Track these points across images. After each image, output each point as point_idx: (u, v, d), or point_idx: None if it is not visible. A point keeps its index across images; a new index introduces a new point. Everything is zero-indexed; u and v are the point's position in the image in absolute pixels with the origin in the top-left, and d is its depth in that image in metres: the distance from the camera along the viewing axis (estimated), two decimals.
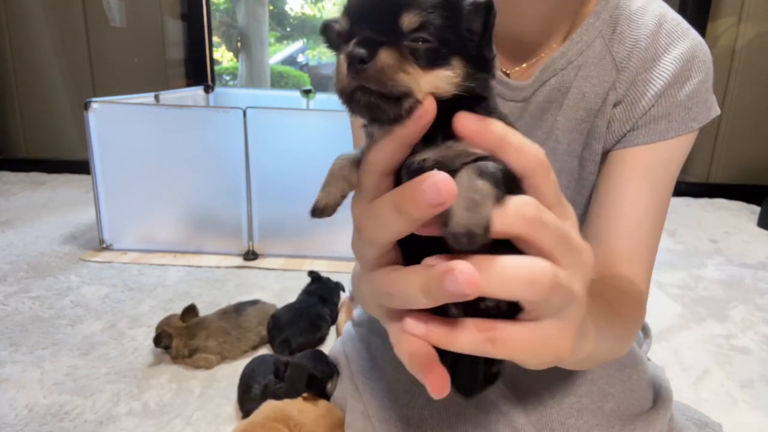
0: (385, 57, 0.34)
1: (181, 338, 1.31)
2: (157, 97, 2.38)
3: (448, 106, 0.36)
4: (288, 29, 8.87)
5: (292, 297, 1.60)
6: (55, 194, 2.83)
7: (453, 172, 0.34)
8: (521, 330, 0.36)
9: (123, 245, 2.03)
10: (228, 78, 8.05)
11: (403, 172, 0.38)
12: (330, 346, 1.35)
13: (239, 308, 1.43)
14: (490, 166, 0.34)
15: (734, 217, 2.83)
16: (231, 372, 1.28)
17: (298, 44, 8.96)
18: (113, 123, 1.96)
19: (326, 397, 1.07)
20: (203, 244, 2.03)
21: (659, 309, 1.71)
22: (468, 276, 0.32)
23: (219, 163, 2.00)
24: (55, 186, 3.00)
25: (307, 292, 1.58)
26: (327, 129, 1.93)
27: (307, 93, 2.78)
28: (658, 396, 0.80)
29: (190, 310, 1.38)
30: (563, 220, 0.36)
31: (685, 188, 3.18)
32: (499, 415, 0.70)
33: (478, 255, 0.33)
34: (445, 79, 0.36)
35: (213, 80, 3.46)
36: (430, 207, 0.32)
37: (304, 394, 1.02)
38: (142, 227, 2.06)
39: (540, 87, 0.76)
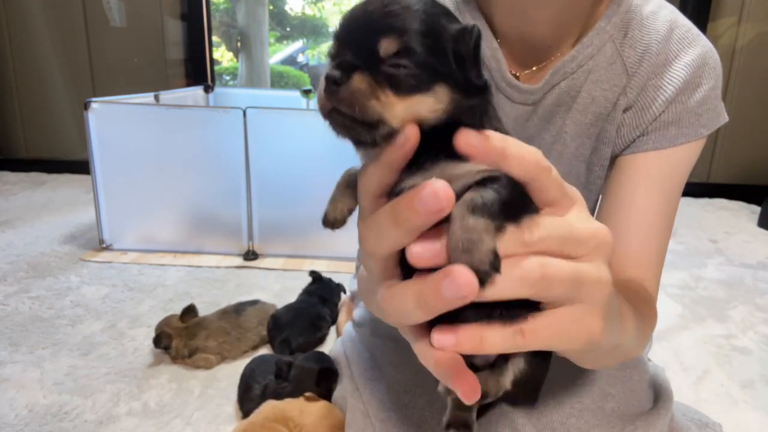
0: (357, 82, 0.34)
1: (181, 338, 1.31)
2: (157, 97, 2.38)
3: (438, 131, 0.35)
4: (288, 29, 8.87)
5: (292, 297, 1.60)
6: (55, 194, 2.83)
7: None
8: (547, 318, 0.36)
9: (123, 245, 2.03)
10: (228, 78, 8.05)
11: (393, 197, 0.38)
12: (330, 346, 1.35)
13: (239, 308, 1.43)
14: (483, 195, 0.33)
15: (734, 217, 2.83)
16: (231, 372, 1.28)
17: (298, 44, 8.96)
18: (113, 123, 1.96)
19: (329, 397, 1.07)
20: (203, 244, 2.03)
21: (659, 309, 1.70)
22: (467, 278, 0.32)
23: (219, 163, 1.99)
24: (55, 186, 3.00)
25: (307, 292, 1.58)
26: (327, 129, 1.93)
27: (307, 93, 2.78)
28: (658, 396, 0.80)
29: (190, 311, 1.38)
30: (569, 208, 0.37)
31: (685, 188, 3.13)
32: (499, 415, 0.70)
33: None
34: (424, 106, 0.35)
35: (213, 80, 3.46)
36: (429, 214, 0.33)
37: (307, 394, 1.02)
38: (142, 227, 2.06)
39: (550, 90, 0.76)
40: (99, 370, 1.27)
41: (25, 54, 3.19)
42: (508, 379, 0.45)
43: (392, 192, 0.38)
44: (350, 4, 8.62)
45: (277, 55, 8.64)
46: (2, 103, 3.27)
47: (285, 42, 8.95)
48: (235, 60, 7.98)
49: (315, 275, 1.63)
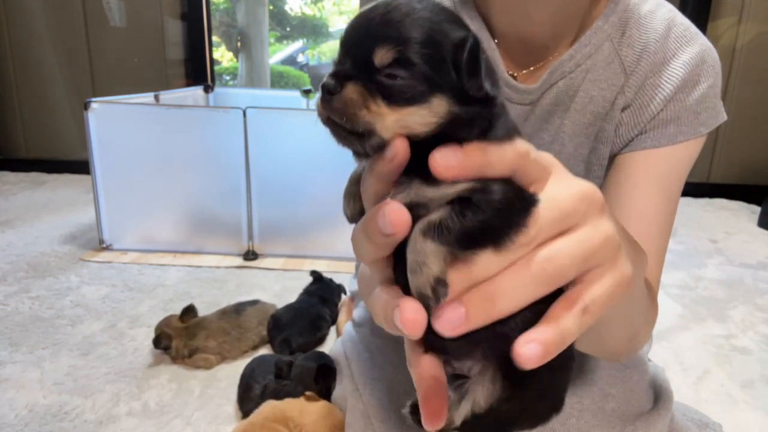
0: (349, 91, 0.34)
1: (181, 338, 1.31)
2: (156, 97, 2.38)
3: (436, 142, 0.34)
4: (288, 29, 8.87)
5: (292, 297, 1.60)
6: (55, 194, 2.83)
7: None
8: (593, 287, 0.36)
9: (123, 245, 2.03)
10: (228, 78, 8.05)
11: None
12: (330, 346, 1.35)
13: (239, 308, 1.43)
14: (443, 218, 0.32)
15: (734, 217, 2.83)
16: (231, 372, 1.28)
17: (298, 44, 8.96)
18: (113, 123, 1.96)
19: (328, 395, 1.07)
20: (203, 244, 2.03)
21: (659, 309, 1.71)
22: (409, 318, 0.32)
23: (219, 163, 2.00)
24: (55, 186, 3.00)
25: (307, 292, 1.58)
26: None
27: (307, 93, 2.78)
28: (658, 396, 0.80)
29: (189, 311, 1.38)
30: (547, 180, 0.36)
31: (685, 188, 3.10)
32: None
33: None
34: (417, 118, 0.34)
35: (213, 80, 3.46)
36: (383, 236, 0.33)
37: (307, 393, 1.02)
38: (142, 227, 2.06)
39: (547, 90, 0.76)
40: (99, 370, 1.27)
41: (25, 54, 3.19)
42: (463, 411, 0.40)
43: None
44: (350, 4, 8.62)
45: (277, 55, 8.64)
46: (2, 103, 3.27)
47: (285, 42, 8.95)
48: (235, 60, 7.98)
49: (316, 275, 1.63)
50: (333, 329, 1.49)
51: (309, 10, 8.89)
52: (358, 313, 1.05)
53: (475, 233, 0.33)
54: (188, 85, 3.31)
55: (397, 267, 0.38)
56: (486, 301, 0.33)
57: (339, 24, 8.92)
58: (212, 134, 1.95)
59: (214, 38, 7.15)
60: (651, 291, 0.70)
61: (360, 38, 0.35)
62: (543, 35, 0.75)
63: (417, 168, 0.34)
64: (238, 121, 1.89)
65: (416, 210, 0.34)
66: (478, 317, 0.33)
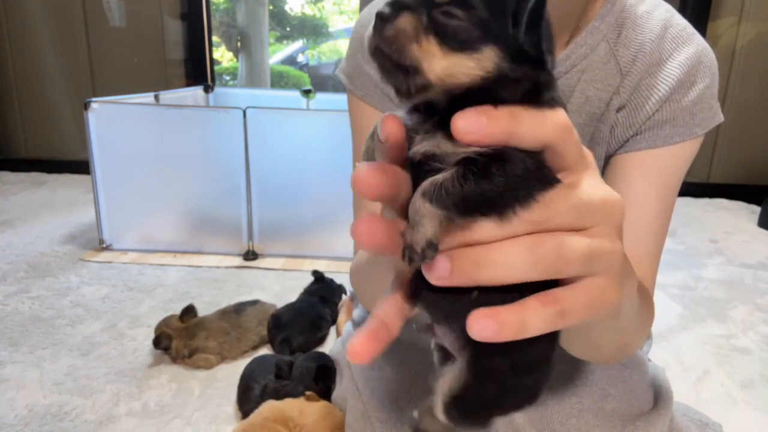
0: (403, 21, 0.32)
1: (181, 339, 1.31)
2: (157, 97, 2.38)
3: (476, 96, 0.32)
4: (288, 29, 8.87)
5: (292, 297, 1.60)
6: (55, 194, 2.83)
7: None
8: (580, 292, 0.34)
9: (123, 245, 2.03)
10: (228, 78, 8.05)
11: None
12: (330, 346, 1.35)
13: (239, 308, 1.43)
14: (446, 181, 0.31)
15: (734, 217, 2.83)
16: (231, 372, 1.28)
17: (298, 44, 8.96)
18: (113, 123, 1.96)
19: (328, 395, 1.07)
20: (203, 244, 2.03)
21: (659, 309, 1.69)
22: (351, 353, 0.34)
23: (219, 163, 2.00)
24: (55, 186, 3.00)
25: (308, 292, 1.58)
26: (327, 129, 1.93)
27: (307, 93, 2.78)
28: (658, 396, 0.80)
29: (189, 311, 1.38)
30: (583, 172, 0.35)
31: (685, 188, 3.10)
32: None
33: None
34: (464, 67, 0.32)
35: (213, 80, 3.46)
36: (380, 143, 0.33)
37: (308, 393, 1.02)
38: (142, 227, 2.06)
39: None
40: (99, 370, 1.27)
41: (25, 54, 3.19)
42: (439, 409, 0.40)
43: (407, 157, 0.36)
44: (350, 4, 8.62)
45: (277, 55, 8.64)
46: (2, 103, 3.27)
47: (285, 42, 8.95)
48: (235, 60, 7.98)
49: (317, 275, 1.63)
50: (333, 329, 1.49)
51: (309, 10, 8.89)
52: (358, 313, 1.05)
53: (475, 200, 0.31)
54: (188, 85, 3.31)
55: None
56: (474, 265, 0.32)
57: (339, 24, 8.92)
58: (212, 134, 1.95)
59: (214, 38, 7.15)
60: (646, 296, 0.70)
61: None
62: None
63: (447, 119, 0.32)
64: (238, 121, 1.89)
65: (434, 162, 0.33)
66: (462, 278, 0.33)
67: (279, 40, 8.85)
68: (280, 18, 8.70)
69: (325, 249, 1.99)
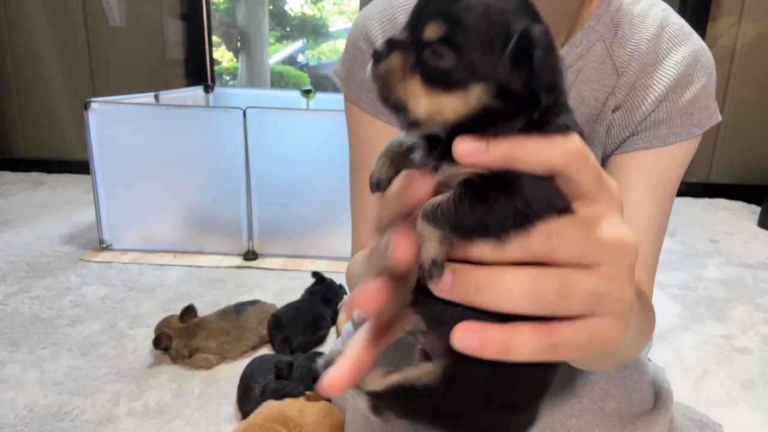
0: (392, 60, 0.33)
1: (181, 339, 1.31)
2: (156, 97, 2.38)
3: (474, 126, 0.32)
4: (288, 29, 8.86)
5: (292, 297, 1.60)
6: (55, 194, 2.83)
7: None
8: (580, 331, 0.33)
9: (123, 245, 2.03)
10: (228, 78, 8.05)
11: None
12: (330, 346, 1.35)
13: (239, 308, 1.43)
14: (442, 201, 0.32)
15: (734, 217, 2.83)
16: (231, 372, 1.28)
17: (298, 44, 8.95)
18: (113, 123, 1.96)
19: (328, 397, 1.07)
20: (203, 244, 2.03)
21: (659, 309, 1.70)
22: (327, 381, 0.36)
23: (219, 163, 2.00)
24: (55, 186, 3.00)
25: (310, 292, 1.58)
26: (327, 129, 1.93)
27: (307, 93, 2.78)
28: (658, 396, 0.80)
29: (189, 311, 1.38)
30: (605, 202, 0.33)
31: (685, 188, 3.18)
32: None
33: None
34: (449, 105, 0.32)
35: (213, 80, 3.46)
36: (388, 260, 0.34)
37: (308, 393, 1.02)
38: (142, 227, 2.06)
39: None
40: (99, 370, 1.27)
41: (25, 54, 3.19)
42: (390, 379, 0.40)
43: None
44: (350, 4, 8.62)
45: (277, 55, 8.63)
46: (2, 103, 3.27)
47: (285, 42, 8.95)
48: (235, 60, 7.98)
49: (318, 276, 1.63)
50: (333, 329, 1.49)
51: (309, 10, 8.89)
52: (358, 313, 1.05)
53: (469, 221, 0.31)
54: (188, 85, 3.31)
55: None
56: (473, 286, 0.32)
57: (339, 24, 8.91)
58: (212, 134, 1.95)
59: (214, 38, 7.15)
60: (646, 304, 0.69)
61: (422, 10, 0.34)
62: None
63: (449, 150, 0.33)
64: (238, 121, 1.89)
65: (444, 189, 0.33)
66: (461, 296, 0.32)
67: (279, 40, 8.84)
68: (280, 18, 8.70)
69: (325, 249, 1.99)
